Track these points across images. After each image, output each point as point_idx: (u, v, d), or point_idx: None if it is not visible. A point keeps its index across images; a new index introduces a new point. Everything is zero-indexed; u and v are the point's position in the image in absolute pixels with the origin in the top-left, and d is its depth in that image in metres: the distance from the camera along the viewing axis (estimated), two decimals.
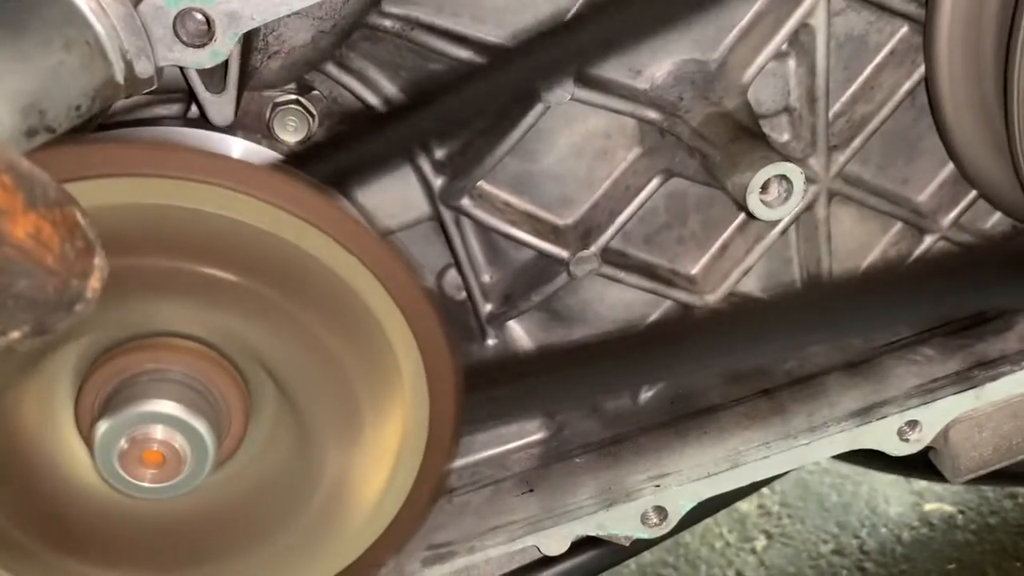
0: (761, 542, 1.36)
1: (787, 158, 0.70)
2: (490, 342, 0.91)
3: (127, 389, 0.63)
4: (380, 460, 0.65)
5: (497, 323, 0.90)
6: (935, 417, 0.81)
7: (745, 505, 1.42)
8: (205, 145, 0.61)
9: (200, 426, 0.62)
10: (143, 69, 0.55)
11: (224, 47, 0.56)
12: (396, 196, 0.85)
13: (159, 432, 0.62)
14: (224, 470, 0.66)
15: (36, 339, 0.43)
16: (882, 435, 0.80)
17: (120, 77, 0.54)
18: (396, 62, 0.79)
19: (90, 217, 0.47)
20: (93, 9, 0.52)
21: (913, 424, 0.81)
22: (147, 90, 0.56)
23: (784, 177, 0.70)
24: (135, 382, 0.64)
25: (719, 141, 0.73)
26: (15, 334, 0.42)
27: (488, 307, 0.90)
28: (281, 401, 0.65)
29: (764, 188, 0.70)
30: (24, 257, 0.40)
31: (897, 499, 1.41)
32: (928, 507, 1.43)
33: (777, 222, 0.84)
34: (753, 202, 0.69)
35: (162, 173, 0.56)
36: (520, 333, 0.94)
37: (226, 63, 0.64)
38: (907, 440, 0.81)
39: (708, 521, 1.19)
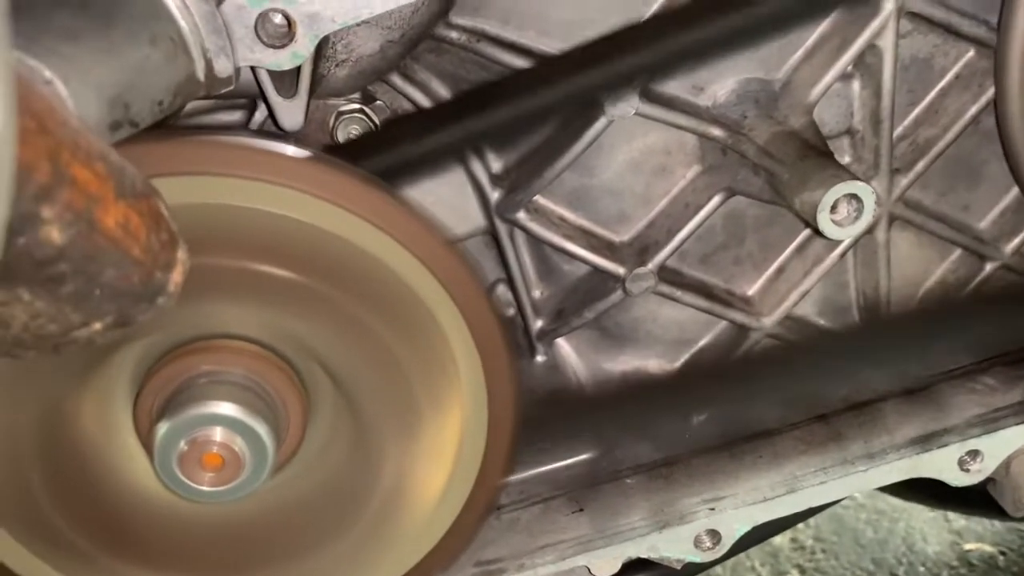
0: None
1: (858, 177, 0.69)
2: (539, 359, 0.91)
3: (186, 392, 0.63)
4: (438, 462, 0.64)
5: (547, 340, 0.89)
6: (997, 447, 0.79)
7: (778, 539, 1.40)
8: (271, 147, 0.61)
9: (260, 428, 0.62)
10: (222, 68, 0.55)
11: (304, 49, 0.56)
12: (452, 207, 0.84)
13: (219, 434, 0.62)
14: (281, 474, 0.65)
15: (117, 332, 0.43)
16: (942, 464, 0.78)
17: (201, 74, 0.54)
18: (459, 75, 0.79)
19: (172, 211, 0.46)
20: (178, 6, 0.52)
21: (974, 454, 0.79)
22: (224, 90, 0.56)
23: (854, 196, 0.69)
24: (194, 384, 0.64)
25: (787, 159, 0.72)
26: (97, 325, 0.41)
27: (539, 323, 0.89)
28: (339, 402, 0.64)
29: (833, 208, 0.69)
30: (113, 246, 0.40)
31: (936, 537, 1.38)
32: (968, 547, 1.40)
33: (836, 245, 0.84)
34: (823, 221, 0.68)
35: (225, 172, 0.56)
36: (569, 351, 0.93)
37: (299, 67, 0.64)
38: (967, 470, 0.79)
39: (740, 555, 1.16)
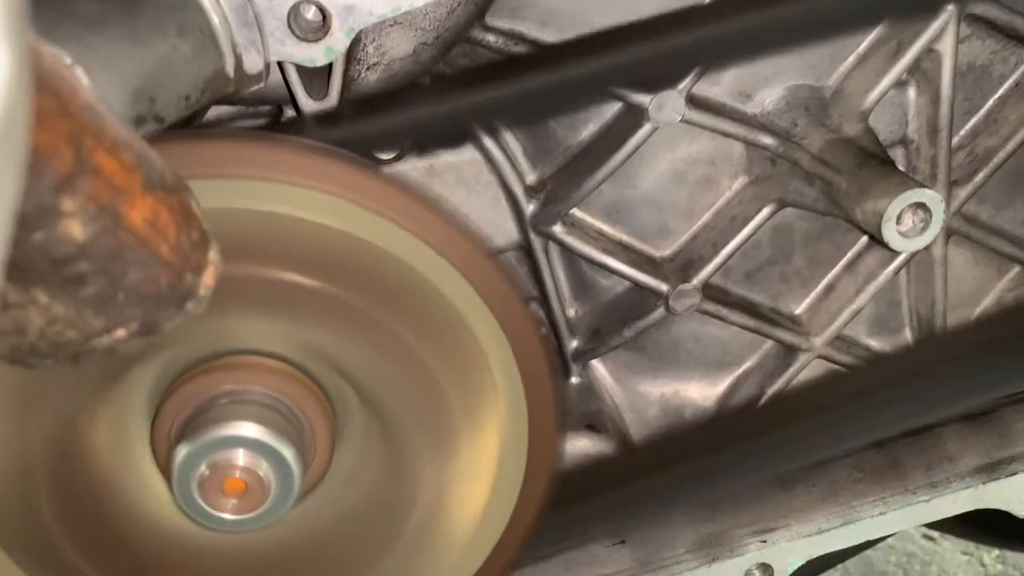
0: None
1: (924, 184, 0.65)
2: (574, 380, 0.86)
3: (207, 412, 0.59)
4: (477, 480, 0.60)
5: (583, 360, 0.85)
6: None
7: None
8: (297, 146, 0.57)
9: (286, 451, 0.57)
10: (252, 63, 0.52)
11: (339, 43, 0.53)
12: (485, 220, 0.80)
13: (242, 458, 0.57)
14: (308, 500, 0.61)
15: (141, 340, 0.39)
16: (1010, 494, 0.73)
17: (231, 70, 0.50)
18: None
19: (203, 209, 0.42)
20: None
21: None
22: (254, 87, 0.53)
23: (921, 206, 0.65)
24: (215, 405, 0.59)
25: (845, 167, 0.68)
26: (121, 332, 0.37)
27: (574, 343, 0.85)
28: (369, 422, 0.60)
29: (899, 217, 0.65)
30: (139, 244, 0.36)
31: None
32: None
33: (889, 261, 0.79)
34: (889, 232, 0.64)
35: (246, 174, 0.52)
36: (604, 373, 0.89)
37: (330, 68, 0.61)
38: None
39: None
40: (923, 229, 0.65)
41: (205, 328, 0.58)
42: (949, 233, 0.80)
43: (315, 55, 0.53)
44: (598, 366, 0.88)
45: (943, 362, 0.77)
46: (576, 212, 0.80)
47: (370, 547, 0.60)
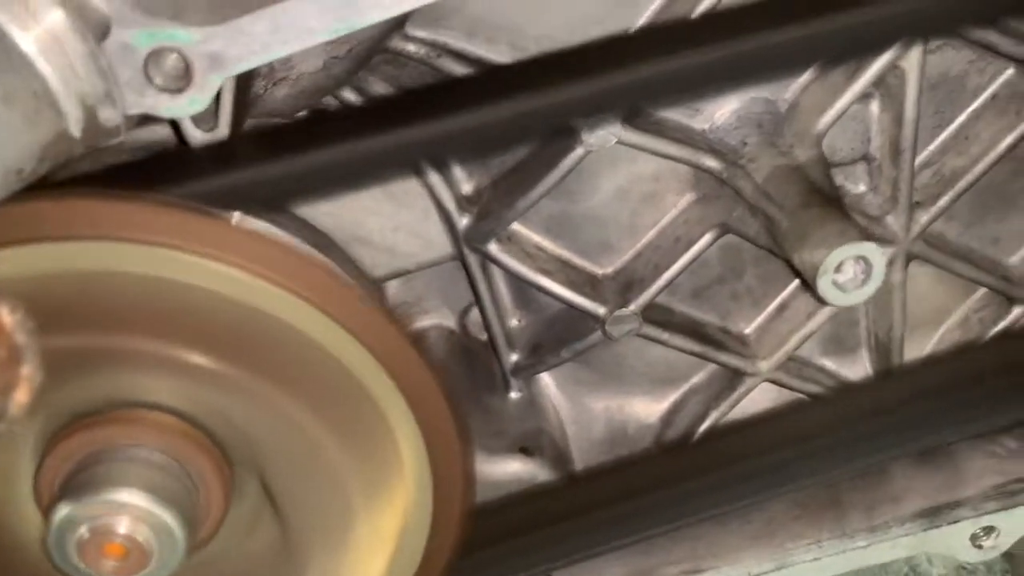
0: None
1: (868, 234, 0.60)
2: (514, 395, 0.83)
3: (92, 468, 0.56)
4: (373, 557, 0.57)
5: (523, 375, 0.81)
6: (1016, 525, 0.71)
7: None
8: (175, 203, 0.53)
9: (170, 519, 0.55)
10: (108, 117, 0.47)
11: (206, 94, 0.48)
12: (414, 233, 0.76)
13: (124, 525, 0.55)
14: (198, 554, 0.58)
15: None
16: (953, 541, 0.70)
17: (76, 129, 0.45)
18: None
19: (21, 314, 0.38)
20: (44, 49, 0.43)
21: (989, 530, 0.71)
22: (113, 141, 0.48)
23: (863, 257, 0.60)
24: (102, 460, 0.56)
25: (787, 204, 0.63)
26: None
27: (513, 357, 0.81)
28: (264, 493, 0.57)
29: (839, 267, 0.60)
30: None
31: (941, 561, 1.30)
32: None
33: None
34: (824, 285, 0.59)
35: (109, 235, 0.48)
36: (548, 382, 0.85)
37: (218, 97, 0.56)
38: (980, 547, 0.71)
39: None
40: (864, 282, 0.60)
41: (97, 381, 0.55)
42: (909, 257, 0.75)
43: (179, 106, 0.48)
44: (543, 378, 0.84)
45: (898, 403, 0.73)
46: (515, 225, 0.75)
47: None
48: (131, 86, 0.47)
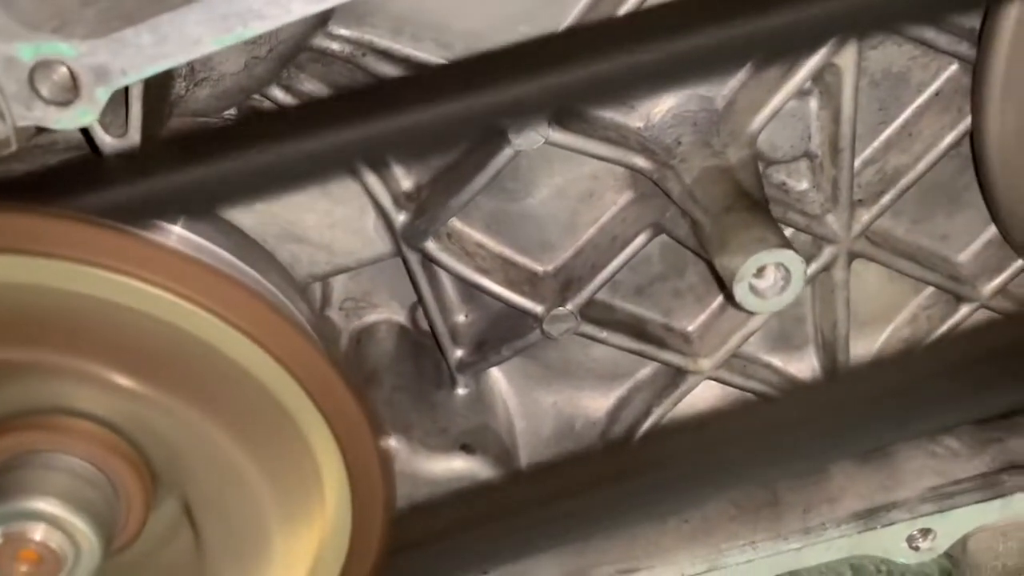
0: None
1: (786, 241, 0.59)
2: (460, 391, 0.82)
3: (11, 473, 0.56)
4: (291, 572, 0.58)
5: (468, 371, 0.81)
6: (951, 526, 0.70)
7: None
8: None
9: (85, 527, 0.55)
10: None
11: (94, 106, 0.47)
12: (352, 231, 0.75)
13: (38, 532, 0.55)
14: (115, 559, 0.59)
15: None
16: (889, 543, 0.70)
17: None
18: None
19: None
20: None
21: (926, 532, 0.71)
22: (5, 152, 0.48)
23: (782, 264, 0.59)
24: (18, 465, 0.57)
25: (712, 208, 0.62)
26: None
27: (458, 353, 0.80)
28: (181, 504, 0.57)
29: (760, 272, 0.59)
30: None
31: None
32: None
33: None
34: (741, 291, 0.58)
35: (20, 249, 0.48)
36: (498, 376, 0.85)
37: (127, 101, 0.55)
38: (917, 548, 0.71)
39: None
40: (783, 289, 0.59)
41: (16, 387, 0.55)
42: (852, 256, 0.74)
43: (68, 119, 0.47)
44: (492, 371, 0.84)
45: (843, 404, 0.73)
46: (455, 223, 0.74)
47: None
48: (18, 99, 0.47)
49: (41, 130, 0.51)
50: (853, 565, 1.18)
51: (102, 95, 0.47)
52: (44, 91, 0.47)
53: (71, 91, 0.47)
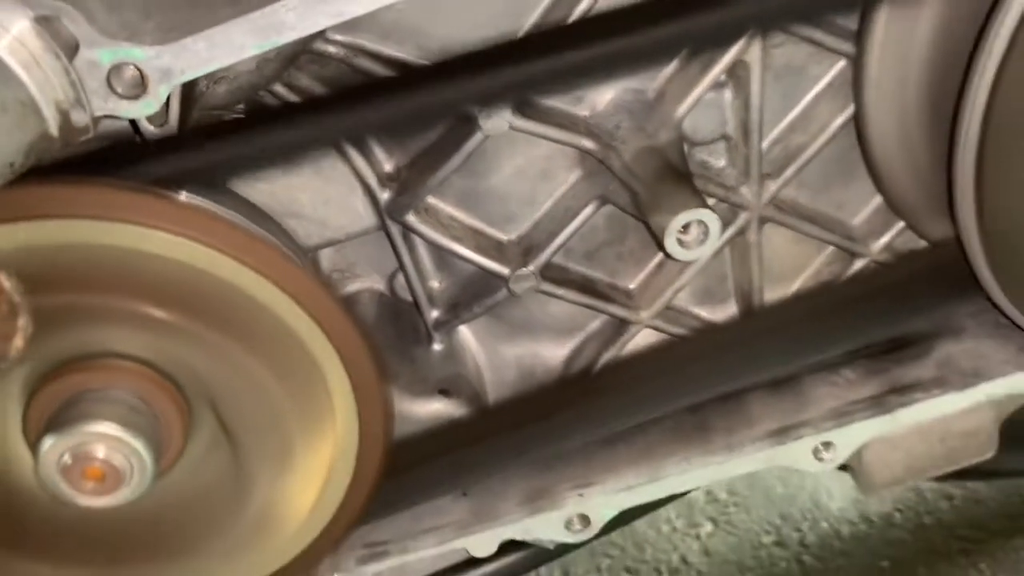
0: (706, 528, 1.41)
1: (704, 203, 0.73)
2: (436, 347, 0.95)
3: (72, 408, 0.68)
4: (309, 483, 0.70)
5: (443, 329, 0.94)
6: (849, 439, 0.85)
7: (695, 492, 1.47)
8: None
9: (140, 445, 0.67)
10: (79, 119, 0.58)
11: (158, 99, 0.59)
12: (341, 207, 0.87)
13: (101, 451, 0.66)
14: (163, 478, 0.71)
15: None
16: (797, 454, 0.85)
17: (55, 130, 0.57)
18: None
19: (15, 279, 0.50)
20: (25, 64, 0.55)
21: (827, 445, 0.85)
22: (84, 137, 0.59)
23: (702, 221, 0.73)
24: (80, 400, 0.68)
25: (646, 178, 0.76)
26: None
27: (434, 313, 0.93)
28: (217, 423, 0.69)
29: (685, 229, 0.73)
30: None
31: (840, 494, 1.46)
32: (868, 504, 1.47)
33: None
34: (670, 244, 0.73)
35: (79, 214, 0.60)
36: (468, 336, 0.98)
37: (168, 99, 0.67)
38: (821, 459, 0.86)
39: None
40: (702, 241, 0.74)
41: (72, 338, 0.67)
42: (763, 221, 0.88)
43: (136, 110, 0.59)
44: (463, 330, 0.97)
45: (755, 336, 0.88)
46: (431, 199, 0.87)
47: (212, 527, 0.70)
48: (97, 94, 0.58)
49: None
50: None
51: (164, 91, 0.59)
52: (118, 88, 0.59)
53: (139, 87, 0.59)
